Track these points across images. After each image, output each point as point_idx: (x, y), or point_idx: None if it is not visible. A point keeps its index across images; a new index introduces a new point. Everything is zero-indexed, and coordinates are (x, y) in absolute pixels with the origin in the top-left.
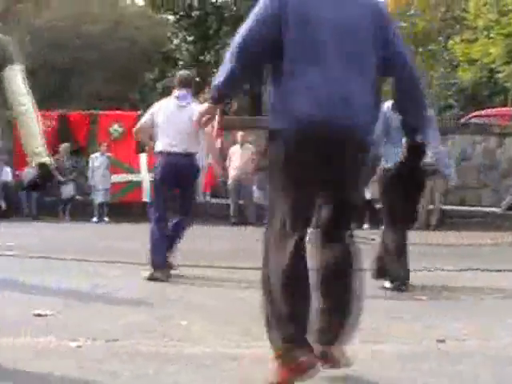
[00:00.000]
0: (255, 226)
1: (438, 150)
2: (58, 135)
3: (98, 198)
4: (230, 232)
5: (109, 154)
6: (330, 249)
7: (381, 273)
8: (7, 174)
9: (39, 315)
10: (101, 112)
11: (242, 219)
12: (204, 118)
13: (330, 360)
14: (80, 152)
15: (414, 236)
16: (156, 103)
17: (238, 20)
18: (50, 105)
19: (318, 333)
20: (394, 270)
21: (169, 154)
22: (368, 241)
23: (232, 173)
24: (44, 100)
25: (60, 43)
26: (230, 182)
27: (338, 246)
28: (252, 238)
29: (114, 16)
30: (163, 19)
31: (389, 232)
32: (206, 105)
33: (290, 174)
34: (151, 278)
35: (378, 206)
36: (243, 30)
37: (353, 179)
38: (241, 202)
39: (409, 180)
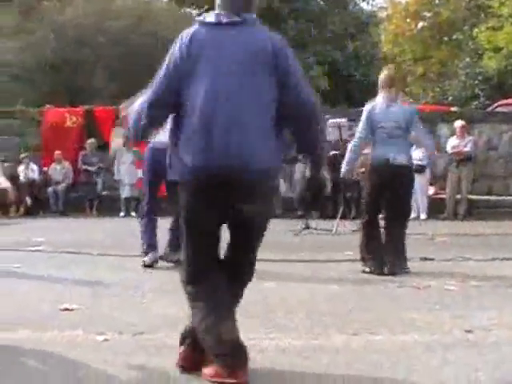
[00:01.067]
0: (279, 218)
1: (433, 157)
2: (84, 131)
3: (125, 192)
4: None
5: (135, 148)
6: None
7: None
8: (34, 171)
9: (67, 309)
10: (123, 106)
11: None
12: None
13: None
14: (106, 147)
15: (442, 226)
16: None
17: (261, 11)
18: (76, 101)
19: None
20: (366, 257)
21: (156, 149)
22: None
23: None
24: (69, 96)
25: (84, 39)
26: None
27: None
28: (277, 230)
29: (138, 11)
30: (187, 13)
31: (365, 222)
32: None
33: (191, 220)
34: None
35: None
36: (153, 88)
37: (253, 220)
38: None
39: (394, 175)
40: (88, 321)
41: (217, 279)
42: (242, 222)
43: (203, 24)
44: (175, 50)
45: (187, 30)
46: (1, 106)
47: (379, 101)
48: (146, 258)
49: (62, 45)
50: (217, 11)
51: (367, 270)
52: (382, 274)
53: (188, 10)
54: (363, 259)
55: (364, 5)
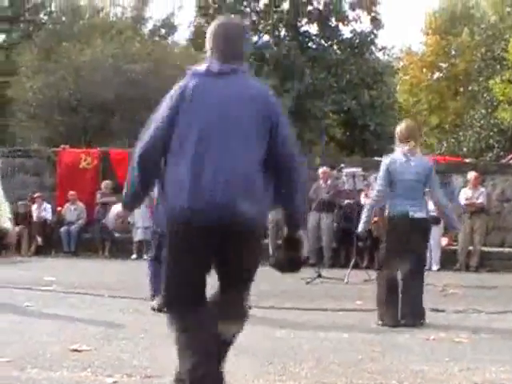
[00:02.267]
0: None
1: (447, 210)
2: (99, 172)
3: (137, 235)
4: (268, 272)
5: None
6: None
7: (383, 316)
8: (47, 211)
9: (76, 350)
10: None
11: None
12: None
13: None
14: (121, 189)
15: (454, 277)
16: None
17: (278, 60)
18: (92, 142)
19: None
20: (382, 309)
21: None
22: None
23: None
24: (86, 137)
25: (102, 81)
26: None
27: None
28: (291, 278)
29: (156, 55)
30: (205, 57)
31: (382, 274)
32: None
33: (177, 258)
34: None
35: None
36: (145, 137)
37: (239, 260)
38: (279, 242)
39: (413, 228)
40: (98, 362)
41: (204, 322)
42: (229, 269)
43: (195, 74)
44: (168, 101)
45: (180, 81)
46: (17, 144)
47: (398, 154)
48: (153, 303)
49: (80, 86)
50: (209, 61)
51: (380, 323)
52: (397, 326)
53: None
54: (379, 312)
55: (380, 54)
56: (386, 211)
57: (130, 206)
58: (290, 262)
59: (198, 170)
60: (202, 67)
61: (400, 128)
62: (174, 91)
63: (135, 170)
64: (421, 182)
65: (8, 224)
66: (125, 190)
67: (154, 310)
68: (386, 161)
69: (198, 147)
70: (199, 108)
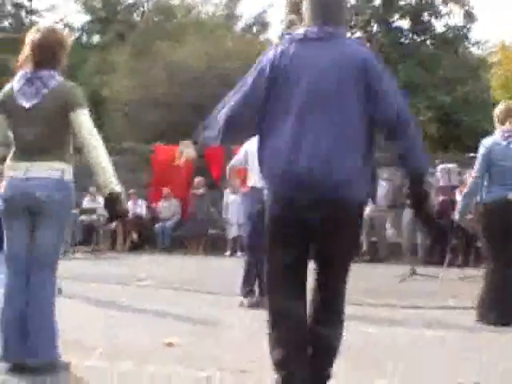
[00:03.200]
0: (385, 262)
1: None
2: (194, 169)
3: (232, 232)
4: (363, 269)
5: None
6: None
7: (483, 314)
8: (141, 207)
9: (170, 344)
10: (235, 147)
11: (374, 256)
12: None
13: None
14: (215, 186)
15: None
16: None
17: None
18: (187, 139)
19: None
20: (482, 306)
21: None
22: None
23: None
24: (179, 136)
25: (195, 79)
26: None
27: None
28: (383, 275)
29: (247, 53)
30: None
31: (490, 269)
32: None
33: (275, 235)
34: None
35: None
36: (236, 97)
37: (336, 241)
38: (373, 238)
39: (509, 216)
40: (190, 357)
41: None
42: (326, 247)
43: (291, 40)
44: (262, 63)
45: (275, 46)
46: (112, 142)
47: (497, 137)
48: (244, 301)
49: (173, 84)
50: (306, 25)
51: (480, 320)
52: (501, 324)
53: None
54: (480, 309)
55: (474, 49)
56: (481, 200)
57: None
58: (426, 221)
59: (296, 140)
60: (299, 32)
61: (498, 110)
62: (269, 55)
63: (222, 129)
64: None
65: (118, 187)
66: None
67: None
68: (485, 143)
69: (298, 118)
70: (298, 77)
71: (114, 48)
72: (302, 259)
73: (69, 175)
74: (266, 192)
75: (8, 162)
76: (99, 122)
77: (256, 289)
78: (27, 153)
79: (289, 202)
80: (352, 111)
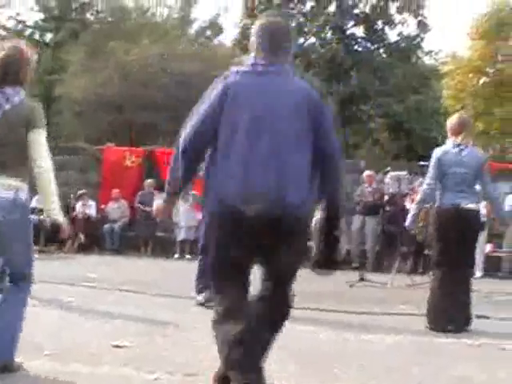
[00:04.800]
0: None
1: (497, 202)
2: (143, 171)
3: (181, 235)
4: (312, 274)
5: (193, 191)
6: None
7: (433, 321)
8: (91, 208)
9: (118, 346)
10: None
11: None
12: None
13: None
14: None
15: (498, 284)
16: None
17: (324, 62)
18: (138, 140)
19: None
20: (432, 312)
21: None
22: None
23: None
24: (131, 136)
25: (148, 80)
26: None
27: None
28: (334, 281)
29: (202, 56)
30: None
31: (439, 275)
32: (161, 202)
33: (222, 252)
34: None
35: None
36: (190, 126)
37: (285, 252)
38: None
39: (464, 221)
40: (139, 359)
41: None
42: (275, 260)
43: (239, 72)
44: (212, 96)
45: (224, 78)
46: (63, 142)
47: (449, 146)
48: (199, 297)
49: (126, 84)
50: (253, 59)
51: (428, 326)
52: (445, 331)
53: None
54: (429, 315)
55: (427, 58)
56: (435, 205)
57: (172, 193)
58: (327, 260)
59: (247, 163)
60: (246, 65)
61: (452, 121)
62: (218, 88)
63: (179, 159)
64: (472, 174)
65: (61, 217)
66: (167, 180)
67: (200, 304)
68: (437, 152)
69: (246, 141)
70: (245, 104)
71: (68, 47)
72: (247, 265)
73: (24, 194)
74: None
75: None
76: (50, 121)
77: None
78: None
79: (240, 216)
80: (298, 136)
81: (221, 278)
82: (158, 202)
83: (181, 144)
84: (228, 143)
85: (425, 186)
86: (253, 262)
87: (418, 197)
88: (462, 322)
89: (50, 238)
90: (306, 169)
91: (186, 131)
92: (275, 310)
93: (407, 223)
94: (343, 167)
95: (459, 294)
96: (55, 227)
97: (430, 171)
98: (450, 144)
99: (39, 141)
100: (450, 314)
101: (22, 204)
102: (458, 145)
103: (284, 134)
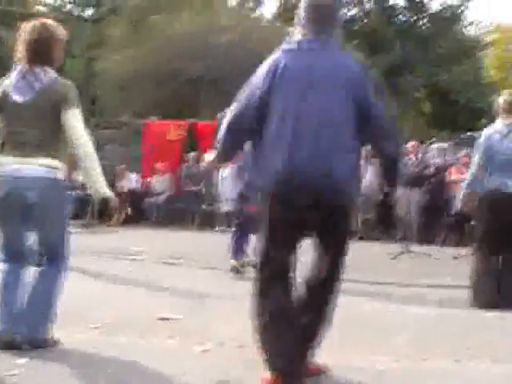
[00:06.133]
0: (377, 240)
1: None
2: (187, 144)
3: (225, 207)
4: (355, 246)
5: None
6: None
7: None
8: (135, 181)
9: (165, 319)
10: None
11: (368, 234)
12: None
13: None
14: None
15: None
16: None
17: (368, 33)
18: (182, 113)
19: None
20: (475, 293)
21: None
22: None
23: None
24: (176, 109)
25: (190, 53)
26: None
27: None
28: (378, 253)
29: (243, 28)
30: (292, 31)
31: (478, 255)
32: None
33: (272, 229)
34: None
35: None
36: (239, 103)
37: (334, 230)
38: (367, 216)
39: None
40: (186, 331)
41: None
42: (325, 234)
43: (286, 50)
44: (261, 73)
45: (272, 56)
46: (106, 116)
47: (498, 127)
48: (234, 262)
49: (168, 58)
50: (299, 33)
51: (473, 303)
52: (489, 307)
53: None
54: (472, 293)
55: (469, 29)
56: (482, 187)
57: (220, 159)
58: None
59: (296, 139)
60: (292, 43)
61: (503, 99)
62: (267, 66)
63: (224, 135)
64: None
65: (108, 192)
66: (217, 146)
67: (231, 270)
68: (486, 133)
69: (294, 119)
70: (292, 82)
71: (108, 21)
72: (292, 253)
73: (61, 174)
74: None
75: None
76: (92, 96)
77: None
78: (19, 149)
79: (288, 202)
80: (344, 116)
81: (270, 249)
82: (209, 156)
83: (227, 122)
84: (277, 122)
85: (473, 168)
86: (301, 238)
87: (467, 178)
88: (507, 301)
89: (97, 211)
90: (353, 144)
91: (235, 106)
92: (326, 288)
93: (458, 206)
94: (395, 128)
95: (503, 275)
96: (104, 202)
97: (479, 152)
98: (499, 124)
99: (75, 119)
100: (494, 295)
101: (60, 183)
102: (509, 126)
103: (330, 110)
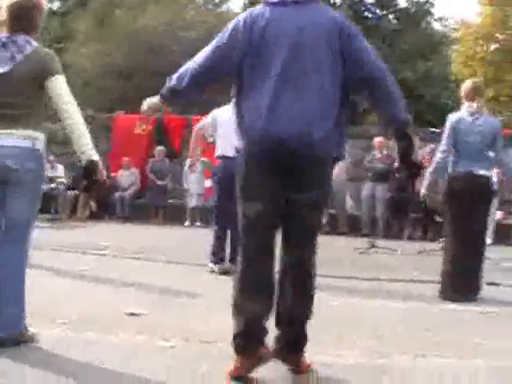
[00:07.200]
0: (344, 235)
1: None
2: (154, 138)
3: (192, 202)
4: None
5: (204, 158)
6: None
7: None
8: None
9: (132, 314)
10: (195, 116)
11: (334, 229)
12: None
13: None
14: (175, 156)
15: (508, 252)
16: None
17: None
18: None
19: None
20: (444, 281)
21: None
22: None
23: None
24: (140, 104)
25: (156, 48)
26: None
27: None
28: (344, 248)
29: (209, 23)
30: None
31: (448, 242)
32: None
33: (249, 187)
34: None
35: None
36: (206, 52)
37: (308, 188)
38: (332, 211)
39: (476, 188)
40: (153, 327)
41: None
42: (297, 199)
43: (266, 4)
44: (237, 25)
45: (251, 9)
46: None
47: (463, 113)
48: (213, 266)
49: (134, 52)
50: None
51: (440, 294)
52: (456, 299)
53: None
54: (442, 283)
55: (436, 25)
56: (449, 172)
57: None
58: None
59: (275, 100)
60: None
61: (466, 86)
62: (246, 17)
63: (187, 80)
64: (487, 142)
65: (96, 156)
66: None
67: (213, 272)
68: (451, 119)
69: (276, 78)
70: (275, 40)
71: (75, 15)
72: (275, 210)
73: (40, 144)
74: (240, 152)
75: None
76: None
77: (227, 256)
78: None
79: (266, 155)
80: (328, 74)
81: (249, 224)
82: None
83: (196, 66)
84: (256, 78)
85: (439, 155)
86: (279, 195)
87: (432, 165)
88: (472, 290)
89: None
90: (335, 103)
91: (203, 56)
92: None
93: (421, 191)
94: (391, 78)
95: (471, 262)
96: (92, 166)
97: (445, 138)
98: (464, 111)
99: (59, 87)
100: (461, 282)
101: (39, 154)
102: (473, 113)
103: (314, 65)
